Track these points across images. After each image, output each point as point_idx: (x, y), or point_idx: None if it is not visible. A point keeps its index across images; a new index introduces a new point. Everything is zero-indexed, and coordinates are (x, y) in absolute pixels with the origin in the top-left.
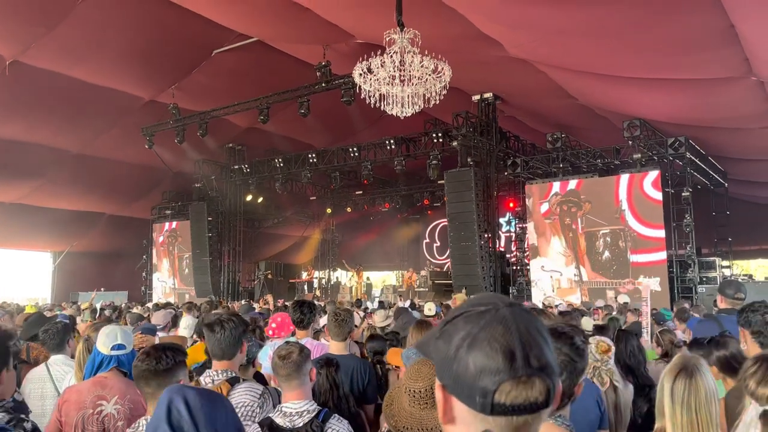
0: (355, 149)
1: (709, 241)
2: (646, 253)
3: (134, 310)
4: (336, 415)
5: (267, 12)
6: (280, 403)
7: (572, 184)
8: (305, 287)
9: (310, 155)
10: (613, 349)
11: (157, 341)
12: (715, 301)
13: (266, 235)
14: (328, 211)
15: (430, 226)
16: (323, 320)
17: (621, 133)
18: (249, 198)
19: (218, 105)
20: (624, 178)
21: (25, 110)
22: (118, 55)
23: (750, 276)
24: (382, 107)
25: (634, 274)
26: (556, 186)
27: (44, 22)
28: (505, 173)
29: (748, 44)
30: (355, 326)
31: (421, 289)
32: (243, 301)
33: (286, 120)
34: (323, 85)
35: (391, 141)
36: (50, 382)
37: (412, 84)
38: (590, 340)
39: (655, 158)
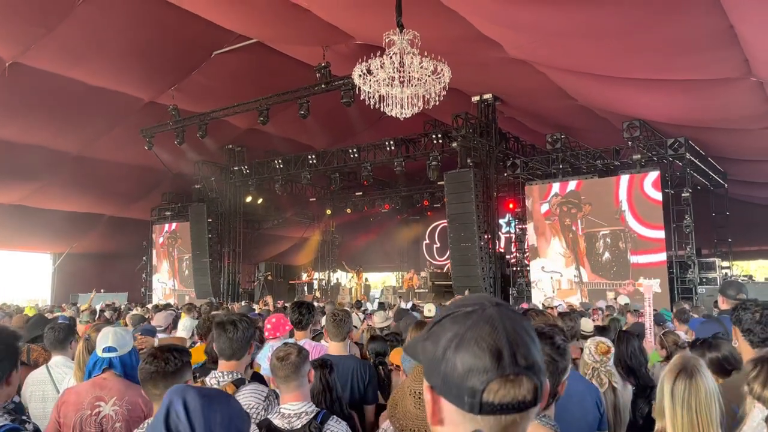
0: (354, 150)
1: (708, 242)
2: (646, 254)
3: (134, 312)
4: (334, 416)
5: (267, 13)
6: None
7: (572, 185)
8: (305, 288)
9: (309, 156)
10: (613, 349)
11: (156, 343)
12: (716, 302)
13: (266, 237)
14: (328, 212)
15: (430, 227)
16: (324, 321)
17: (620, 134)
18: (249, 199)
19: (218, 106)
20: (624, 178)
21: (25, 112)
22: (118, 57)
23: (750, 277)
24: (381, 108)
25: (634, 275)
26: (556, 187)
27: (44, 22)
28: (505, 174)
29: (747, 45)
30: (355, 327)
31: (421, 290)
32: (243, 303)
33: (285, 121)
34: (323, 86)
35: (391, 142)
36: (51, 384)
37: (412, 85)
38: (589, 341)
39: (655, 159)
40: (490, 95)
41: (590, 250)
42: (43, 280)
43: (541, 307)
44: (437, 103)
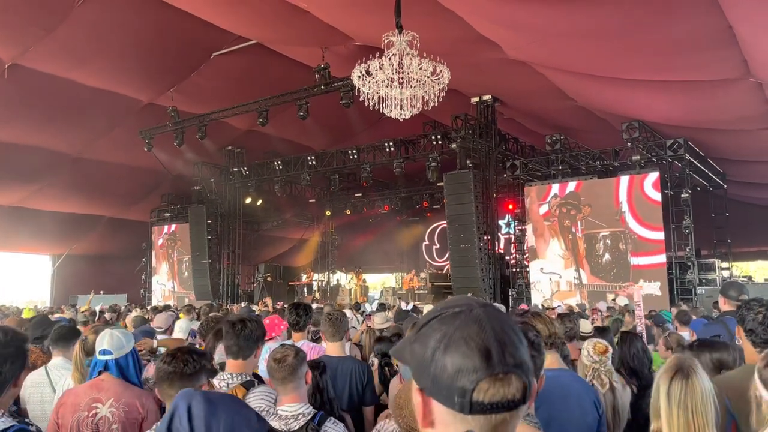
0: (354, 151)
1: (708, 243)
2: (646, 255)
3: (134, 313)
4: (331, 418)
5: (266, 14)
6: None
7: (571, 186)
8: (305, 290)
9: (309, 157)
10: (611, 349)
11: (155, 344)
12: (715, 302)
13: (265, 238)
14: (328, 213)
15: (430, 228)
16: None
17: (620, 135)
18: (248, 200)
19: (217, 107)
20: (624, 179)
21: (24, 113)
22: (117, 58)
23: (749, 277)
24: (380, 109)
25: (634, 276)
26: (555, 188)
27: (43, 24)
28: (504, 175)
29: (746, 45)
30: (354, 328)
31: (421, 292)
32: (243, 304)
33: (285, 122)
34: (322, 87)
35: (390, 143)
36: (49, 386)
37: (411, 86)
38: (586, 342)
39: (654, 160)
40: (490, 96)
41: (590, 251)
42: (42, 282)
43: (540, 309)
44: (436, 104)
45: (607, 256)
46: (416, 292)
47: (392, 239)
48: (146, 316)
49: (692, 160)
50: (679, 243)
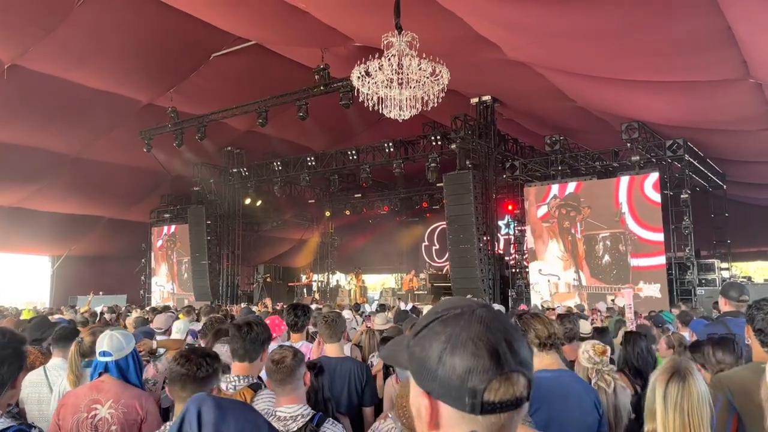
0: (353, 152)
1: (707, 244)
2: (646, 257)
3: (134, 314)
4: (330, 419)
5: (265, 15)
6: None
7: (571, 186)
8: (304, 290)
9: (308, 158)
10: (609, 349)
11: (154, 345)
12: (715, 303)
13: (265, 239)
14: (327, 214)
15: (429, 229)
16: None
17: (619, 136)
18: (248, 201)
19: (217, 108)
20: (624, 180)
21: (24, 114)
22: (117, 59)
23: (749, 278)
24: (380, 110)
25: (634, 278)
26: (555, 188)
27: (42, 24)
28: (504, 176)
29: (745, 46)
30: (354, 329)
31: (420, 292)
32: (242, 305)
33: (284, 123)
34: (322, 88)
35: (390, 144)
36: (46, 386)
37: (410, 87)
38: (583, 344)
39: (654, 160)
40: (489, 97)
41: (590, 252)
42: (41, 283)
43: (540, 309)
44: (436, 104)
45: (606, 257)
46: (416, 292)
47: (392, 240)
48: (146, 317)
49: (692, 160)
50: (679, 243)
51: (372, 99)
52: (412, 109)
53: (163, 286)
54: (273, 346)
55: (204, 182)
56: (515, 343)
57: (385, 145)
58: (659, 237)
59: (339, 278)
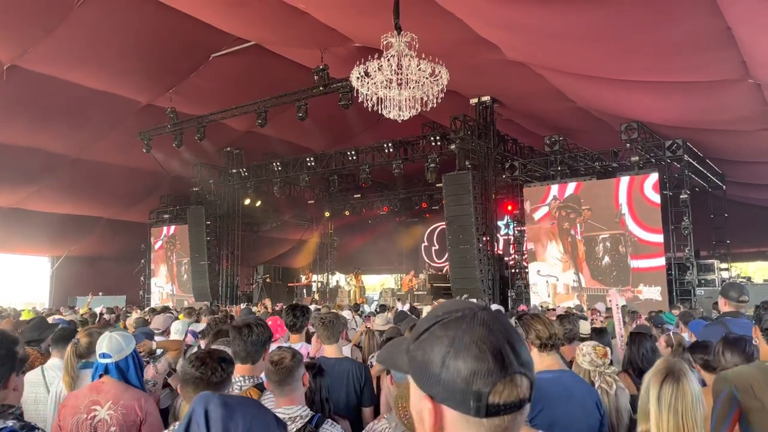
0: (353, 153)
1: (707, 244)
2: (646, 258)
3: (134, 315)
4: (329, 420)
5: (265, 16)
6: None
7: (570, 187)
8: (304, 291)
9: (308, 159)
10: (610, 351)
11: (154, 345)
12: (715, 303)
13: (264, 239)
14: (327, 214)
15: (429, 229)
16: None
17: (619, 136)
18: (247, 202)
19: (216, 109)
20: (624, 180)
21: (23, 114)
22: (116, 59)
23: (748, 278)
24: (379, 111)
25: (634, 280)
26: (554, 189)
27: (42, 25)
28: (503, 176)
29: (745, 46)
30: (353, 329)
31: (420, 293)
32: (242, 305)
33: (284, 123)
34: (321, 88)
35: (389, 144)
36: (43, 387)
37: (410, 87)
38: (584, 346)
39: (653, 161)
40: (488, 97)
41: (590, 254)
42: (41, 284)
43: (540, 310)
44: (435, 105)
45: (606, 258)
46: (415, 293)
47: (391, 240)
48: (146, 318)
49: (691, 160)
50: (678, 244)
51: (371, 99)
52: (411, 110)
53: (162, 288)
54: (273, 347)
55: (203, 183)
56: (517, 344)
57: (385, 145)
58: (659, 238)
59: (339, 279)
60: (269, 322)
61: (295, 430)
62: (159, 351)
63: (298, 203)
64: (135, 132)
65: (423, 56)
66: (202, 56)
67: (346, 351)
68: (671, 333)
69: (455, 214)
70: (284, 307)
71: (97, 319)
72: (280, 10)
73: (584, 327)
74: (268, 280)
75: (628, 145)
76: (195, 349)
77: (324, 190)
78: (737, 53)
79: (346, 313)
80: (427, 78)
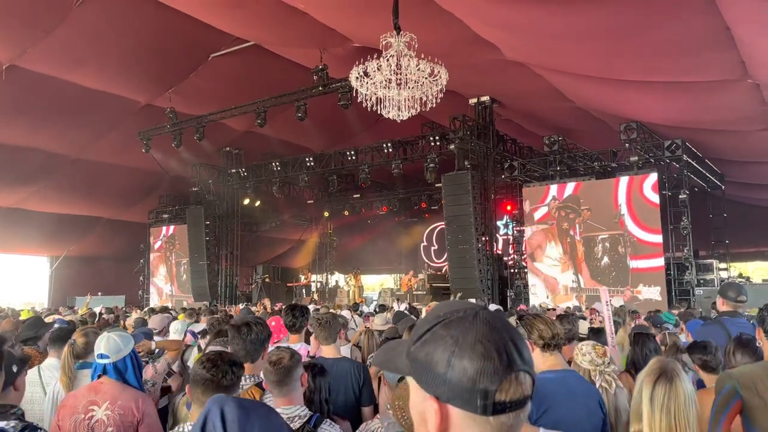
0: (352, 152)
1: (706, 244)
2: (646, 259)
3: (134, 315)
4: (328, 420)
5: (264, 16)
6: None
7: (570, 188)
8: (303, 291)
9: (307, 159)
10: (609, 351)
11: (153, 345)
12: (713, 303)
13: (264, 239)
14: (326, 214)
15: (428, 229)
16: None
17: (618, 136)
18: (246, 201)
19: (215, 109)
20: (623, 181)
21: (22, 115)
22: (115, 59)
23: (747, 278)
24: (378, 111)
25: (633, 280)
26: (553, 189)
27: (41, 25)
28: (502, 176)
29: (744, 47)
30: (352, 329)
31: (419, 292)
32: (241, 305)
33: (283, 123)
34: (320, 88)
35: (389, 144)
36: (39, 386)
37: (409, 87)
38: (583, 345)
39: (652, 161)
40: (488, 97)
41: (589, 254)
42: (40, 283)
43: (539, 310)
44: (434, 105)
45: (606, 259)
46: (414, 293)
47: (390, 240)
48: (146, 318)
49: (690, 161)
50: (677, 244)
51: (370, 99)
52: (410, 110)
53: (162, 289)
54: (272, 348)
55: (203, 183)
56: (519, 342)
57: (384, 145)
58: (658, 239)
59: (338, 279)
60: (272, 323)
61: (293, 430)
62: (158, 351)
63: (297, 203)
64: (134, 132)
65: (422, 56)
66: (201, 56)
67: (346, 351)
68: (666, 333)
69: (454, 214)
70: (283, 307)
71: (97, 319)
72: (280, 11)
73: (582, 327)
74: (267, 280)
75: (627, 145)
76: (196, 349)
77: (323, 190)
78: (736, 53)
79: (345, 313)
80: (426, 78)
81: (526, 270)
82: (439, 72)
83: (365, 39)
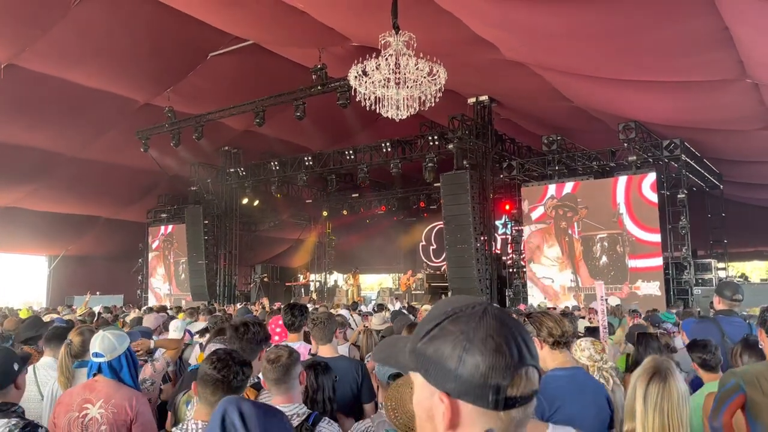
0: (351, 152)
1: (704, 243)
2: (644, 258)
3: (132, 314)
4: (326, 418)
5: (263, 15)
6: None
7: (568, 186)
8: (302, 290)
9: (306, 158)
10: (608, 348)
11: (152, 344)
12: (712, 302)
13: (262, 238)
14: (324, 214)
15: (427, 229)
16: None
17: (616, 136)
18: (245, 201)
19: (214, 108)
20: (622, 180)
21: (20, 113)
22: (114, 58)
23: (745, 277)
24: (377, 110)
25: (632, 279)
26: (552, 188)
27: (39, 24)
28: (501, 176)
29: (743, 46)
30: (351, 329)
31: (418, 292)
32: (239, 305)
33: (282, 123)
34: (319, 88)
35: (387, 144)
36: (35, 385)
37: (408, 87)
38: (582, 341)
39: (651, 160)
40: (486, 97)
41: (587, 253)
42: (38, 283)
43: (537, 309)
44: (433, 104)
45: (604, 258)
46: (413, 292)
47: (389, 240)
48: (143, 317)
49: (688, 160)
50: (676, 243)
51: (369, 99)
52: (409, 109)
53: (159, 288)
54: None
55: (201, 182)
56: (527, 337)
57: (383, 144)
58: (657, 238)
59: (337, 278)
60: (280, 321)
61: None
62: (157, 350)
63: (295, 202)
64: (133, 131)
65: (421, 55)
66: (200, 55)
67: (344, 350)
68: (658, 333)
69: (453, 214)
70: (282, 306)
71: (96, 318)
72: (278, 10)
73: (580, 326)
74: (265, 279)
75: (625, 144)
76: (197, 348)
77: (322, 190)
78: (734, 53)
79: (344, 312)
80: (425, 77)
81: (524, 269)
82: (437, 71)
83: (364, 38)
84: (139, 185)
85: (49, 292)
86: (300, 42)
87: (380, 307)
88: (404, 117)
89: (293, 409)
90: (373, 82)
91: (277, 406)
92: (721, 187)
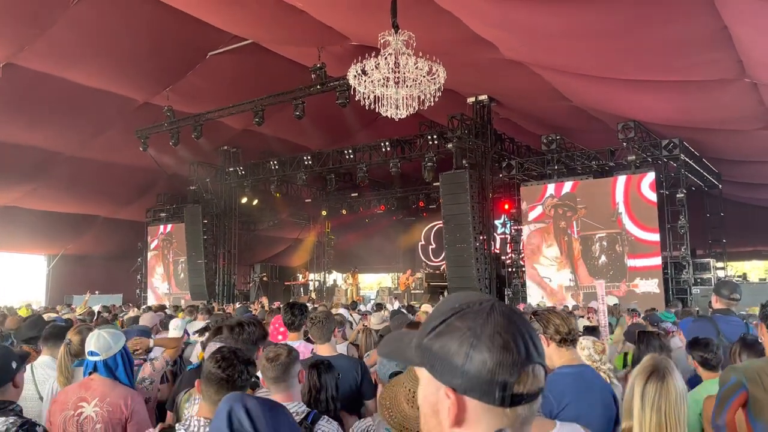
0: (350, 151)
1: (703, 243)
2: (643, 257)
3: (130, 313)
4: (325, 416)
5: (262, 14)
6: None
7: (568, 186)
8: (301, 290)
9: (305, 157)
10: (608, 348)
11: (151, 343)
12: (710, 302)
13: (261, 238)
14: (324, 213)
15: (426, 228)
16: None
17: (615, 135)
18: (244, 200)
19: (213, 107)
20: (621, 180)
21: (19, 112)
22: (113, 57)
23: (744, 277)
24: (376, 109)
25: (630, 278)
26: (551, 188)
27: (38, 23)
28: (500, 175)
29: (742, 46)
30: (350, 328)
31: (417, 291)
32: (238, 304)
33: (281, 122)
34: (318, 87)
35: (387, 143)
36: (32, 384)
37: (407, 86)
38: (582, 339)
39: (650, 160)
40: (486, 96)
41: (586, 253)
42: (37, 282)
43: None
44: (432, 104)
45: (603, 258)
46: (412, 291)
47: (388, 239)
48: (141, 316)
49: (687, 160)
50: (675, 243)
51: (368, 98)
52: (408, 108)
53: (158, 288)
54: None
55: (200, 181)
56: (534, 335)
57: (382, 144)
58: (655, 237)
59: (336, 277)
60: (276, 324)
61: None
62: (155, 349)
63: (295, 202)
64: (132, 130)
65: (420, 55)
66: (199, 54)
67: (342, 349)
68: (657, 333)
69: (452, 213)
70: (282, 305)
71: (96, 317)
72: (278, 9)
73: (579, 325)
74: (265, 278)
75: (624, 144)
76: (197, 346)
77: (321, 189)
78: (733, 53)
79: (344, 311)
80: (424, 76)
81: (523, 269)
82: (437, 70)
83: (363, 37)
84: (138, 184)
85: (47, 292)
86: (299, 41)
87: (379, 307)
88: (403, 116)
89: (292, 407)
90: (372, 82)
91: None
92: (720, 186)
